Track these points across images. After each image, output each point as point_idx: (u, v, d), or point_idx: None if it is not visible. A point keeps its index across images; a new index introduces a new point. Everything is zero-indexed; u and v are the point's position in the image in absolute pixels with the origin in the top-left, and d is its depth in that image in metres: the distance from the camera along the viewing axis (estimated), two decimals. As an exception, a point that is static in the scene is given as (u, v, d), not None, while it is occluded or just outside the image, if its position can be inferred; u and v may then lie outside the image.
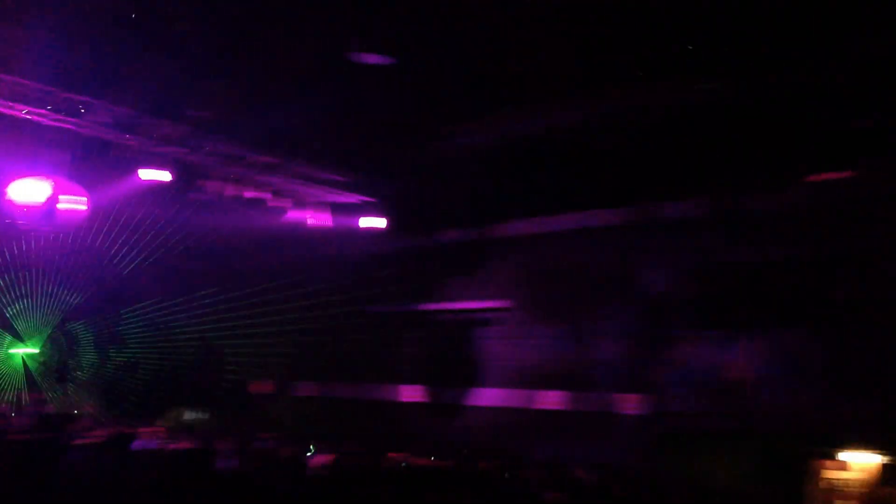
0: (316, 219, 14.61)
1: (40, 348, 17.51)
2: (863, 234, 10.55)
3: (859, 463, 10.25)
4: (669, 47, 8.82)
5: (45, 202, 11.99)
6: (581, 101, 10.17)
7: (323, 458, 9.65)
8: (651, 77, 9.36)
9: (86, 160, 11.94)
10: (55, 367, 17.51)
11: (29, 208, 11.98)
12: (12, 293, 16.63)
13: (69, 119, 10.90)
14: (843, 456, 10.32)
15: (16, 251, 15.60)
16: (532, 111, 10.45)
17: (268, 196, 13.85)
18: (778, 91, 9.39)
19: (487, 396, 14.14)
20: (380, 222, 14.51)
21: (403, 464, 10.46)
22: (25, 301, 16.90)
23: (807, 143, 9.96)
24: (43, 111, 10.65)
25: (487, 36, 9.03)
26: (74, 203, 12.27)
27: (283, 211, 14.21)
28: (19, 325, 17.20)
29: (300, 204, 14.42)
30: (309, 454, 9.59)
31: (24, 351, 17.38)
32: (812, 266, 10.95)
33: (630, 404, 12.33)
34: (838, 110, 9.69)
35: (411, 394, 15.26)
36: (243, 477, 8.00)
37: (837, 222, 10.64)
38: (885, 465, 10.06)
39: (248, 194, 13.56)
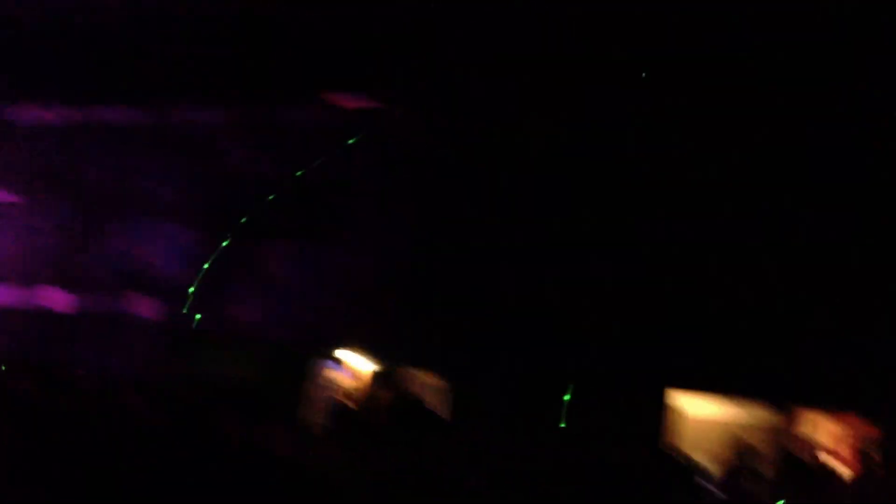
0: None
1: None
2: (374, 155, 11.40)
3: (358, 368, 11.34)
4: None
5: None
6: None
7: None
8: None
9: None
10: None
11: None
12: None
13: None
14: (344, 361, 11.32)
15: None
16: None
17: None
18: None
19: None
20: None
21: None
22: None
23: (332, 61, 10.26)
24: None
25: None
26: None
27: None
28: None
29: None
30: None
31: None
32: (314, 180, 11.57)
33: (138, 307, 12.12)
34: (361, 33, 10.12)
35: None
36: None
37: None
38: (379, 371, 11.23)
39: None
